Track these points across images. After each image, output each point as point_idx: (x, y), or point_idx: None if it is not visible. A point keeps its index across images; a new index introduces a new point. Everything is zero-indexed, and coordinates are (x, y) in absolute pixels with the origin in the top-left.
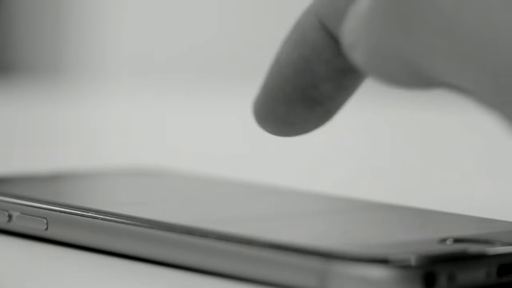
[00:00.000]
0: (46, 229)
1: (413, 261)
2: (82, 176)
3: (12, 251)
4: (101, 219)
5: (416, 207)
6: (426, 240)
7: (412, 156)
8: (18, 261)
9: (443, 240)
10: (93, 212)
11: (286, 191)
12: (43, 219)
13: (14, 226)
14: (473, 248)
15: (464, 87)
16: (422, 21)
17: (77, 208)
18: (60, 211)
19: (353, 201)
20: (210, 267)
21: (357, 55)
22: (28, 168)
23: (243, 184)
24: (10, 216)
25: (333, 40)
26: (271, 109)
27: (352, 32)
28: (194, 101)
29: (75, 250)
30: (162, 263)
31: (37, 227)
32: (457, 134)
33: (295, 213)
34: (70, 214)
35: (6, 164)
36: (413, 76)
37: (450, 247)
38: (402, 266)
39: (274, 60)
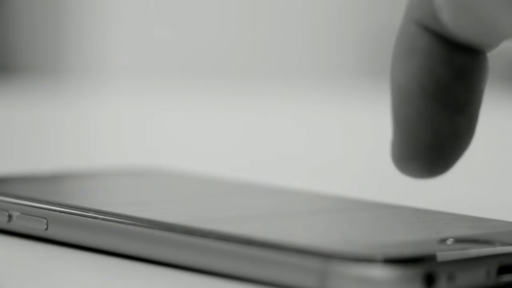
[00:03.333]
0: (46, 229)
1: (413, 261)
2: (82, 176)
3: (12, 251)
4: (101, 219)
5: (416, 207)
6: (426, 240)
7: None
8: (18, 261)
9: (443, 240)
10: (93, 212)
11: (286, 191)
12: (43, 219)
13: (14, 226)
14: (473, 248)
15: None
16: None
17: (77, 208)
18: (60, 211)
19: (353, 201)
20: (210, 267)
21: (444, 15)
22: (28, 168)
23: (243, 184)
24: (10, 216)
25: (441, 39)
26: (414, 140)
27: None
28: (194, 101)
29: (75, 250)
30: (162, 263)
31: (37, 227)
32: None
33: (295, 213)
34: (70, 214)
35: (6, 164)
36: (488, 29)
37: (450, 247)
38: (402, 266)
39: (392, 88)
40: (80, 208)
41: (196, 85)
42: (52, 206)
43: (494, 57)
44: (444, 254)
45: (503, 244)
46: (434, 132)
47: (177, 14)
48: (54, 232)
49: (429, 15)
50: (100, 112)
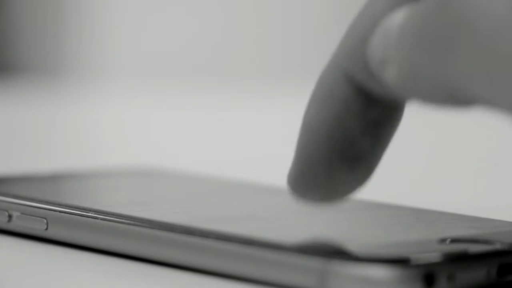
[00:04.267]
0: (46, 229)
1: (413, 261)
2: (82, 176)
3: (12, 251)
4: (101, 219)
5: (416, 207)
6: (426, 240)
7: (412, 156)
8: (18, 261)
9: (443, 240)
10: (93, 212)
11: (286, 191)
12: (43, 219)
13: (14, 226)
14: (473, 248)
15: (504, 105)
16: (460, 44)
17: (77, 208)
18: (60, 211)
19: (352, 201)
20: (210, 267)
21: (387, 74)
22: (28, 168)
23: (243, 184)
24: (10, 216)
25: (361, 92)
26: (310, 178)
27: (382, 50)
28: (194, 101)
29: (75, 250)
30: (162, 263)
31: (37, 227)
32: (457, 134)
33: (295, 213)
34: (70, 214)
35: (6, 164)
36: (449, 96)
37: (450, 247)
38: (402, 266)
39: (302, 125)
40: (80, 208)
41: (197, 84)
42: (52, 206)
43: None
44: (444, 254)
45: (503, 244)
46: (331, 177)
47: (177, 14)
48: (54, 232)
49: (359, 67)
50: (100, 112)
